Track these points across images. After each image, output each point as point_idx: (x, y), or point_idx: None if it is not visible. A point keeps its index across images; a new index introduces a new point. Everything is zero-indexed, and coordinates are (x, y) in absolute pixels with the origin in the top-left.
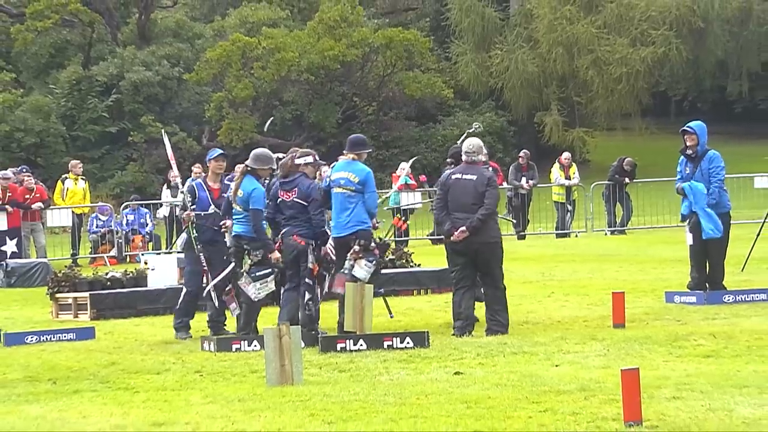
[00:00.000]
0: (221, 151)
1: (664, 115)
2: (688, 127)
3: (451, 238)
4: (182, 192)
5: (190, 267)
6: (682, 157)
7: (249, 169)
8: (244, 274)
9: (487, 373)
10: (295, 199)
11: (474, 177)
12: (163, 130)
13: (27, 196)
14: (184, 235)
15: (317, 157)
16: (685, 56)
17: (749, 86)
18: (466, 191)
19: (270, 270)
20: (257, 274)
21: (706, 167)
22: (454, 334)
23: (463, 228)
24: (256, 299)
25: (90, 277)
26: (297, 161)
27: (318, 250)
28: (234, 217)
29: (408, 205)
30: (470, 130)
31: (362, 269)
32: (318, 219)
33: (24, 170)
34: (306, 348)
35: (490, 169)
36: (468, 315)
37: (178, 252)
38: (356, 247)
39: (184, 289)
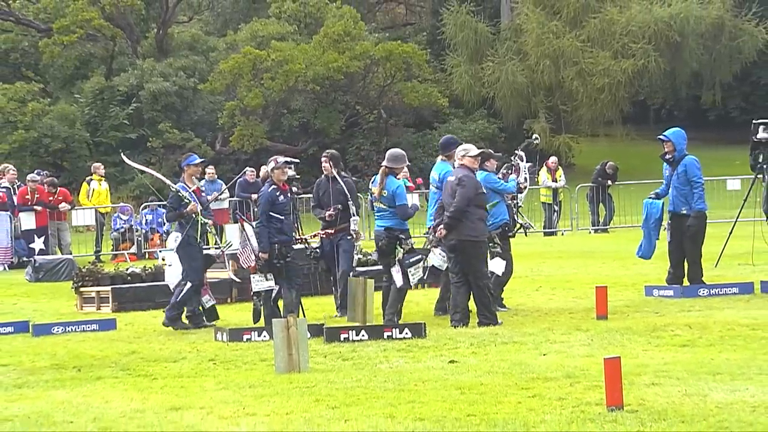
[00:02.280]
0: (202, 159)
1: (644, 122)
2: (663, 135)
3: (436, 234)
4: (176, 194)
5: (191, 263)
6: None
7: (388, 169)
8: (397, 262)
9: (480, 362)
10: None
11: (453, 177)
12: (123, 156)
13: (50, 198)
14: (174, 235)
15: (279, 161)
16: (663, 68)
17: (722, 95)
18: (448, 192)
19: (420, 256)
20: (410, 260)
21: (682, 171)
22: (451, 325)
23: (441, 226)
24: (412, 285)
25: (112, 273)
26: (265, 168)
27: (279, 253)
28: (378, 213)
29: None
30: (530, 140)
31: (437, 257)
32: (257, 225)
33: (40, 173)
34: (312, 338)
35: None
36: (464, 308)
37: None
38: (430, 237)
39: (188, 284)
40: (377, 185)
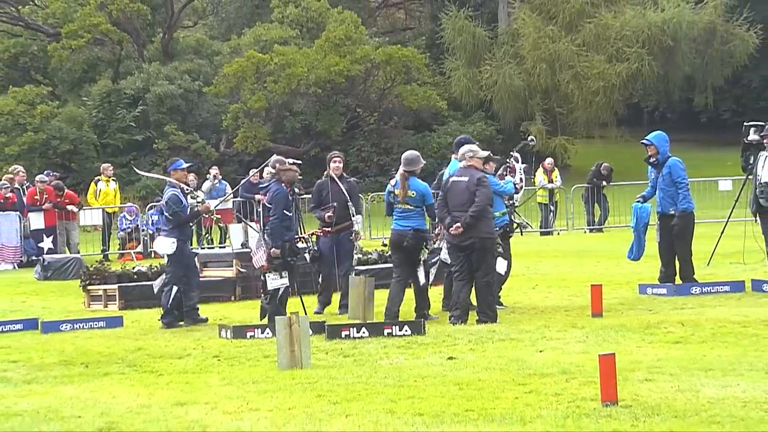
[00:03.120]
0: (189, 164)
1: (638, 124)
2: (645, 140)
3: (450, 231)
4: (184, 196)
5: (176, 269)
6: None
7: (408, 172)
8: (422, 262)
9: (478, 358)
10: (266, 203)
11: (466, 179)
12: (135, 169)
13: (57, 200)
14: (170, 240)
15: (283, 163)
16: (656, 71)
17: (714, 98)
18: (460, 192)
19: (438, 256)
20: (432, 261)
21: (666, 173)
22: (450, 322)
23: (458, 224)
24: (427, 282)
25: (118, 271)
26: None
27: (288, 249)
28: (401, 214)
29: None
30: (526, 142)
31: (444, 251)
32: (273, 222)
33: (49, 174)
34: (313, 335)
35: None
36: (465, 305)
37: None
38: (436, 231)
39: (174, 288)
40: (399, 188)
